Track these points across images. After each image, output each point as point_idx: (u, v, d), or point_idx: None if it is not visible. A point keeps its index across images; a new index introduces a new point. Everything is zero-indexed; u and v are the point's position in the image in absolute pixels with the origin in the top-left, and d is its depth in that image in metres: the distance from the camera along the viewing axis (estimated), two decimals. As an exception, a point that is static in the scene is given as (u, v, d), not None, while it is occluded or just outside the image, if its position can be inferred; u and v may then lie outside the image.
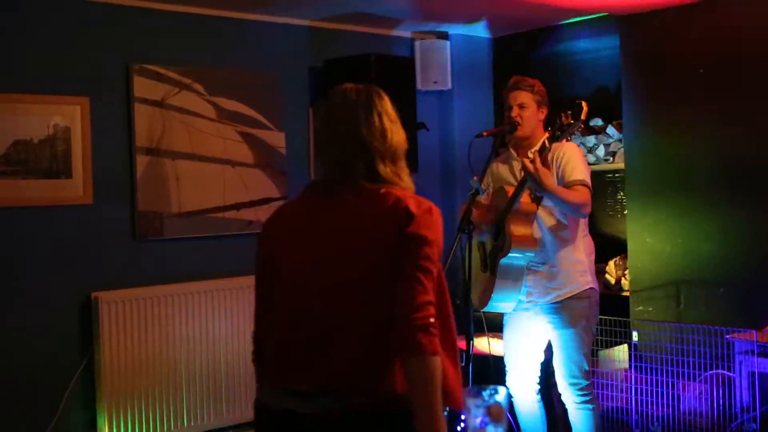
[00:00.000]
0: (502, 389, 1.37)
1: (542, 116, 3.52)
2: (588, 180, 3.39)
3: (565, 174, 3.37)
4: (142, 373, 4.11)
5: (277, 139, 4.70)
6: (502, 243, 3.37)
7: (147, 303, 4.14)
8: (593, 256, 3.55)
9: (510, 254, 3.32)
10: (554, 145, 3.30)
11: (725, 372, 3.89)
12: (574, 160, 3.39)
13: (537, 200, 3.37)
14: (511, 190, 3.39)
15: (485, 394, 1.40)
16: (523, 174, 3.28)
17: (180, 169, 4.37)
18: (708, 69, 4.30)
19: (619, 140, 4.76)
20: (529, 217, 3.37)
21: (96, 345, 4.03)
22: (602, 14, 4.69)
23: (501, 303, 3.45)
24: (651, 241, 4.54)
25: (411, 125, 4.69)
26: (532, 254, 3.37)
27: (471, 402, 1.39)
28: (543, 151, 3.25)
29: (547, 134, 3.32)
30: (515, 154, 3.54)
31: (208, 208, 4.48)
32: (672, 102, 4.47)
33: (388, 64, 4.62)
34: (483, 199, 3.59)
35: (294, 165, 4.76)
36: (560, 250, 3.42)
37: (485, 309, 3.48)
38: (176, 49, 4.39)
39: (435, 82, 5.17)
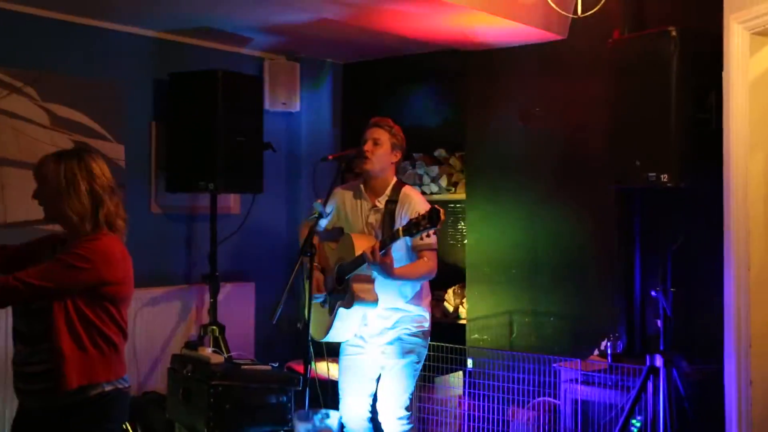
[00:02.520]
0: (334, 413, 1.33)
1: (395, 159, 3.59)
2: (435, 242, 3.48)
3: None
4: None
5: (116, 150, 4.51)
6: (344, 292, 3.44)
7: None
8: (430, 298, 3.68)
9: (352, 307, 3.42)
10: (403, 190, 3.45)
11: (552, 399, 4.04)
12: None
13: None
14: (357, 242, 3.41)
15: (316, 418, 1.36)
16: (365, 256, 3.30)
17: (6, 177, 4.09)
18: (544, 108, 4.50)
19: (461, 171, 4.90)
20: (371, 276, 3.45)
21: None
22: (449, 48, 4.81)
23: (339, 335, 3.54)
24: (488, 271, 4.68)
25: (257, 144, 4.64)
26: (374, 306, 3.46)
27: (301, 426, 1.34)
28: (389, 243, 3.24)
29: (401, 228, 3.23)
30: (364, 192, 3.56)
31: (36, 220, 4.18)
32: (511, 139, 4.64)
33: (236, 82, 4.54)
34: (327, 225, 3.63)
35: (133, 179, 4.59)
36: (399, 300, 3.52)
37: (324, 340, 3.57)
38: (8, 50, 4.13)
39: (283, 103, 5.15)
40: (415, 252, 3.46)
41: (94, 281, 2.54)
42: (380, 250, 3.23)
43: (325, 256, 3.66)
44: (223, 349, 4.40)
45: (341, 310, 3.45)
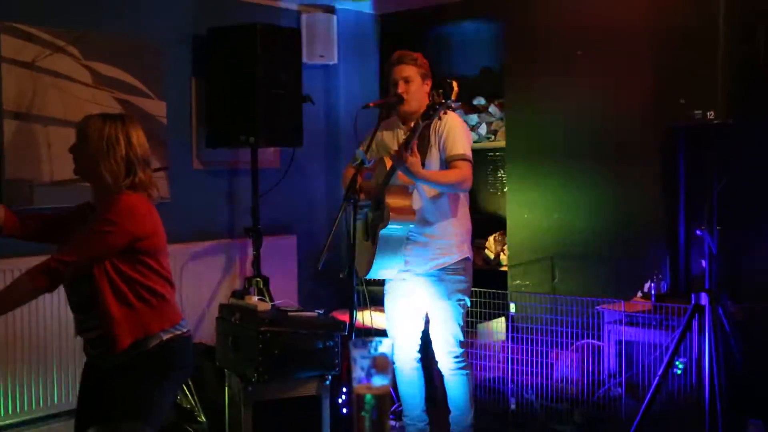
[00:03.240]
0: (386, 340, 1.35)
1: (427, 89, 3.55)
2: (469, 153, 3.44)
3: (447, 148, 3.42)
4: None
5: (157, 107, 4.53)
6: (381, 214, 3.40)
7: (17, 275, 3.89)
8: (470, 225, 3.64)
9: (389, 225, 3.37)
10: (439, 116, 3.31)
11: (595, 341, 4.05)
12: (455, 132, 3.43)
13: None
14: (389, 161, 3.39)
15: (371, 345, 1.38)
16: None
17: (52, 135, 4.13)
18: (586, 51, 4.44)
19: (501, 119, 4.86)
20: (408, 189, 3.41)
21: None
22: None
23: (383, 270, 3.51)
24: (529, 217, 4.67)
25: (296, 98, 4.63)
26: (412, 225, 3.43)
27: (357, 353, 1.37)
28: (412, 137, 3.23)
29: (419, 117, 3.27)
30: (402, 126, 3.55)
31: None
32: (551, 81, 4.59)
33: (274, 35, 4.52)
34: (366, 168, 3.61)
35: (175, 135, 4.62)
36: (439, 222, 3.49)
37: (368, 276, 3.53)
38: (50, 9, 4.15)
39: (321, 56, 5.13)
40: (449, 164, 3.43)
41: (126, 240, 2.59)
42: (404, 146, 3.20)
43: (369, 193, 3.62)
44: (268, 299, 4.45)
45: (381, 235, 3.39)
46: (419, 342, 3.68)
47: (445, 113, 3.25)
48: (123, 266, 2.61)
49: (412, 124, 3.30)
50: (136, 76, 4.43)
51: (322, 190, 5.39)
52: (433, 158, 3.44)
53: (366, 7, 5.34)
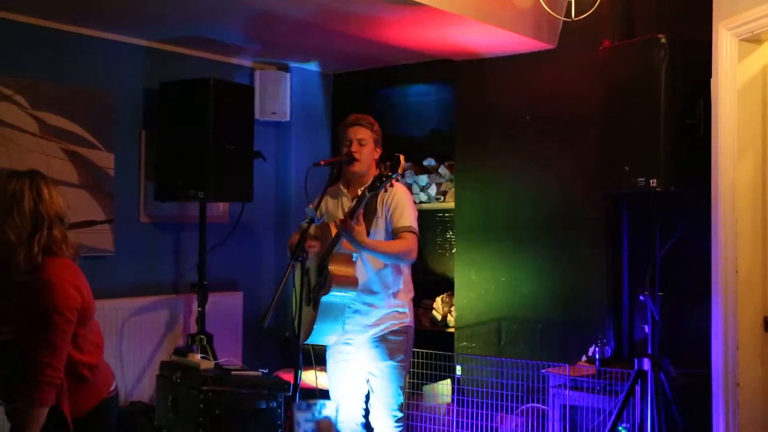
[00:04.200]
0: (330, 403, 1.32)
1: (377, 155, 3.59)
2: (415, 226, 3.48)
3: (394, 220, 3.46)
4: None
5: (105, 159, 4.49)
6: (323, 281, 3.39)
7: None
8: (412, 294, 3.64)
9: (331, 293, 3.36)
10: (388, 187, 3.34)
11: (540, 405, 4.04)
12: (403, 205, 3.48)
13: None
14: (333, 227, 3.40)
15: (315, 408, 1.34)
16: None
17: (-6, 184, 4.03)
18: (533, 117, 4.54)
19: (450, 180, 4.91)
20: (352, 257, 3.42)
21: None
22: (439, 58, 4.85)
23: (322, 336, 3.48)
24: (476, 279, 4.69)
25: (247, 153, 4.64)
26: (353, 293, 3.43)
27: (301, 416, 1.33)
28: (358, 207, 3.27)
29: (366, 187, 3.30)
30: (345, 190, 3.58)
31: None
32: (500, 145, 4.68)
33: (227, 91, 4.53)
34: (313, 229, 3.60)
35: (122, 187, 4.59)
36: (381, 292, 3.49)
37: (308, 342, 3.49)
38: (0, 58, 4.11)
39: (273, 113, 5.17)
40: (395, 235, 3.45)
41: (76, 317, 2.53)
42: (350, 215, 3.22)
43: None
44: (211, 356, 4.37)
45: (322, 302, 3.38)
46: (363, 406, 3.64)
47: (391, 185, 3.29)
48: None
49: (359, 193, 3.33)
50: (84, 127, 4.39)
51: (271, 246, 5.36)
52: (379, 228, 3.47)
53: (319, 66, 5.41)
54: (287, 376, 3.63)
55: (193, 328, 4.59)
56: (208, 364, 3.85)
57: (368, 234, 3.36)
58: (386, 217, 3.47)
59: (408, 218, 3.46)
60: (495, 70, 4.70)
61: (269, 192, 5.30)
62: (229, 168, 4.50)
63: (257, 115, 4.96)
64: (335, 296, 3.38)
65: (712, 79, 3.28)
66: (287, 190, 5.37)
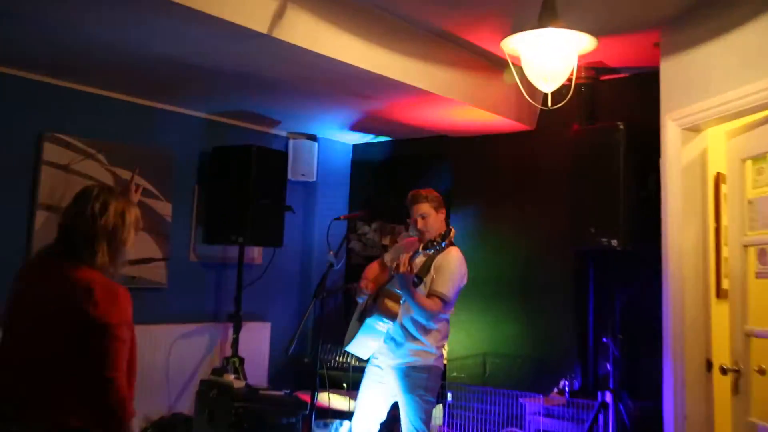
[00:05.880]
0: (346, 423, 1.36)
1: (442, 216, 3.52)
2: (448, 294, 3.32)
3: (432, 281, 3.36)
4: None
5: (164, 208, 4.55)
6: (374, 306, 3.36)
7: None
8: (444, 342, 3.48)
9: (374, 317, 3.33)
10: (446, 250, 3.32)
11: (517, 430, 3.99)
12: (446, 271, 3.36)
13: (414, 285, 3.31)
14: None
15: (332, 427, 1.39)
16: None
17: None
18: (515, 187, 4.56)
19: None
20: (401, 297, 3.35)
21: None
22: (437, 134, 4.92)
23: (359, 348, 3.42)
24: (466, 319, 4.67)
25: (280, 207, 4.68)
26: (391, 323, 3.35)
27: (318, 433, 1.36)
28: (415, 256, 3.25)
29: (421, 245, 3.29)
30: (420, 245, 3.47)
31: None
32: (488, 211, 4.70)
33: (266, 156, 4.61)
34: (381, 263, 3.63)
35: (177, 231, 4.61)
36: (414, 332, 3.38)
37: (346, 348, 3.45)
38: (84, 124, 4.22)
39: (302, 175, 5.19)
40: (429, 296, 3.35)
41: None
42: (407, 261, 3.18)
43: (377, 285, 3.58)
44: (242, 377, 4.36)
45: (367, 321, 3.32)
46: (378, 428, 3.53)
47: (448, 249, 3.27)
48: None
49: (421, 248, 3.29)
50: (149, 181, 4.47)
51: (296, 285, 5.34)
52: (426, 283, 3.39)
53: (340, 138, 5.50)
54: (305, 397, 3.61)
55: (228, 352, 4.57)
56: (239, 384, 3.81)
57: (416, 284, 3.29)
58: (433, 275, 3.37)
59: (444, 285, 3.31)
60: (483, 146, 4.73)
61: (297, 240, 5.30)
62: (264, 218, 4.54)
63: (289, 176, 5.01)
64: (376, 321, 3.32)
65: (661, 160, 3.29)
66: (312, 238, 5.39)
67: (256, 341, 4.89)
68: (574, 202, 3.82)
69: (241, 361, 4.47)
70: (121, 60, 3.59)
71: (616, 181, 3.56)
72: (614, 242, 3.52)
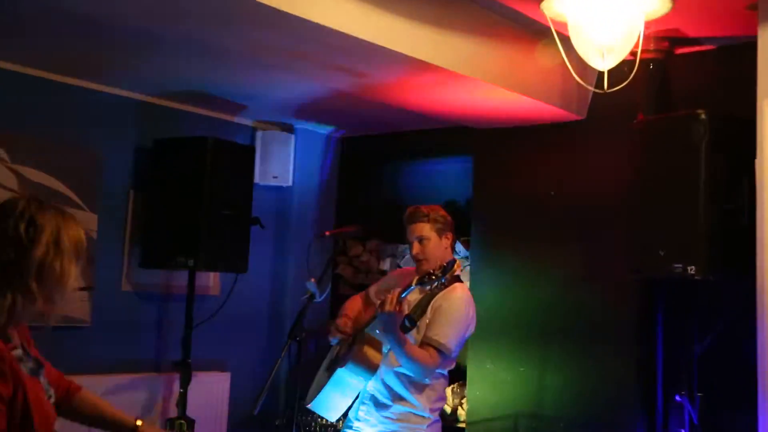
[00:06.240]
0: None
1: (447, 242, 3.54)
2: (449, 344, 3.36)
3: (428, 326, 3.38)
4: None
5: (88, 220, 4.53)
6: (347, 354, 3.42)
7: None
8: (441, 404, 3.55)
9: (346, 367, 3.37)
10: (448, 288, 3.35)
11: None
12: (446, 314, 3.39)
13: (404, 329, 3.32)
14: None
15: None
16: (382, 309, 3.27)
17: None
18: (558, 193, 4.55)
19: (466, 257, 4.90)
20: (382, 345, 3.40)
21: None
22: (456, 125, 4.90)
23: (323, 408, 3.51)
24: (492, 369, 4.63)
25: (244, 220, 4.69)
26: (368, 377, 3.40)
27: None
28: (408, 292, 3.26)
29: (415, 279, 3.31)
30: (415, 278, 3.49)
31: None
32: (520, 225, 4.67)
33: (226, 151, 4.62)
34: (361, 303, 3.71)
35: (104, 251, 4.62)
36: (400, 390, 3.42)
37: (309, 406, 3.53)
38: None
39: (275, 177, 5.24)
40: (422, 343, 3.37)
41: None
42: (396, 299, 3.18)
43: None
44: (192, 447, 4.32)
45: (338, 372, 3.38)
46: None
47: (452, 286, 3.32)
48: None
49: (414, 282, 3.28)
50: (66, 183, 4.44)
51: (264, 323, 5.37)
52: (420, 328, 3.39)
53: (324, 129, 5.48)
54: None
55: (173, 412, 4.55)
56: (187, 455, 3.78)
57: (407, 329, 3.29)
58: (429, 319, 3.38)
59: (444, 333, 3.34)
60: (516, 140, 4.72)
61: (266, 263, 5.33)
62: (223, 235, 4.54)
63: (257, 179, 5.03)
64: (350, 373, 3.37)
65: (756, 160, 3.28)
66: (286, 262, 5.40)
67: (212, 398, 4.90)
68: (638, 215, 3.79)
69: (191, 423, 4.46)
70: (22, 18, 3.55)
71: (695, 188, 3.52)
72: (691, 269, 3.48)
